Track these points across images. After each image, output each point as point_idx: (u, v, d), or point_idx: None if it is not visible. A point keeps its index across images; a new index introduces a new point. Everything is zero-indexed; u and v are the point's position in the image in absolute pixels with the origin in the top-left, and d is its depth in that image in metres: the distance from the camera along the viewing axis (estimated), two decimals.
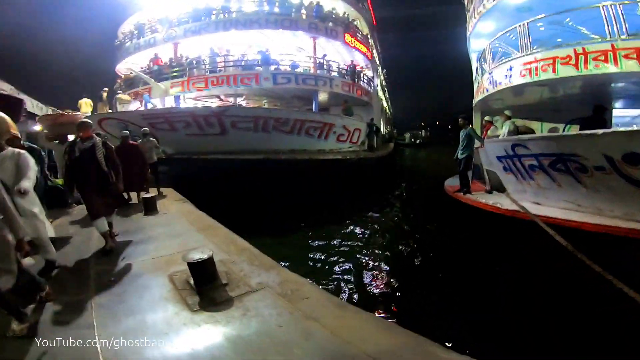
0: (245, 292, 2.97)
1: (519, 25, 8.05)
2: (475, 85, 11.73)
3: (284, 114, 11.47)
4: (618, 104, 9.43)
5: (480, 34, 11.18)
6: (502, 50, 8.91)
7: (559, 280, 4.42)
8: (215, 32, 14.33)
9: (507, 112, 7.64)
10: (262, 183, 10.27)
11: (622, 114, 10.12)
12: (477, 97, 10.81)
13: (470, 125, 8.08)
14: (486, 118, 9.02)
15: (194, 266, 2.98)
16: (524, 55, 7.83)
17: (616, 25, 6.35)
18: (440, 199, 9.46)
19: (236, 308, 2.71)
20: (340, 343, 2.22)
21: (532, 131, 8.54)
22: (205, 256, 2.99)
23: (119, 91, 14.77)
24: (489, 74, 9.31)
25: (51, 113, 12.15)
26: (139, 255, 4.01)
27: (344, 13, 17.45)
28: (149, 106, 12.71)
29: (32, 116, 12.31)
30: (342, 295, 5.15)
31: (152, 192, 7.62)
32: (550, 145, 4.93)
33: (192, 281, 3.04)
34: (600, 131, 4.15)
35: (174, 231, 5.10)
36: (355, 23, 18.24)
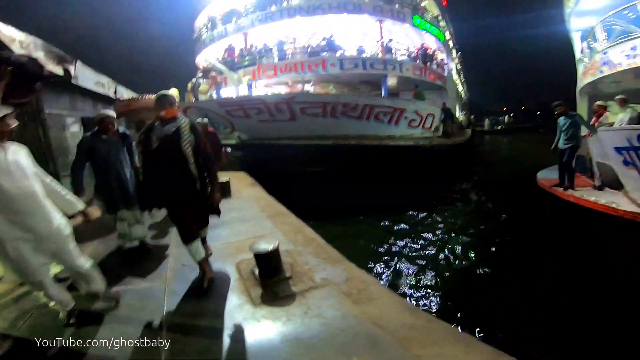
0: (309, 287, 2.85)
1: None
2: (581, 67, 10.51)
3: (353, 99, 11.14)
4: None
5: (584, 12, 10.03)
6: (620, 28, 7.80)
7: None
8: (281, 20, 14.34)
9: (622, 96, 6.42)
10: (332, 169, 10.27)
11: None
12: (586, 79, 9.53)
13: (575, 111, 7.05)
14: (598, 102, 7.66)
15: (260, 257, 2.93)
16: None
17: None
18: (529, 193, 8.40)
19: (298, 305, 2.59)
20: (409, 357, 1.98)
21: None
22: (271, 247, 2.92)
23: (203, 80, 15.70)
24: (604, 53, 8.18)
25: (126, 98, 11.85)
26: (212, 240, 3.98)
27: None
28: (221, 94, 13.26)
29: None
30: (411, 298, 4.73)
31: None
32: None
33: (257, 272, 3.01)
34: None
35: (246, 216, 5.20)
36: (423, 4, 17.11)
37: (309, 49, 13.94)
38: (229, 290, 2.90)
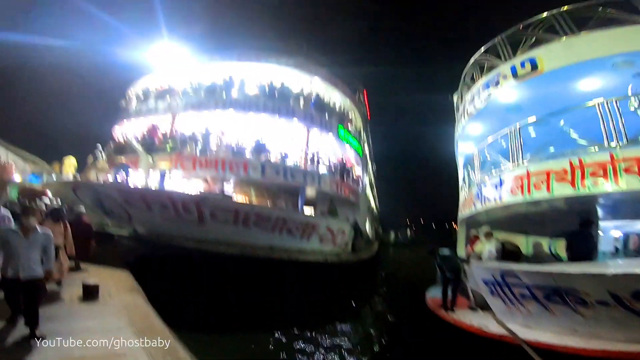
0: None
1: (509, 130, 7.37)
2: (462, 195, 10.87)
3: (267, 212, 11.04)
4: (602, 213, 7.86)
5: (468, 137, 10.59)
6: (492, 158, 8.19)
7: None
8: (215, 110, 14.31)
9: (486, 228, 7.43)
10: (235, 279, 9.51)
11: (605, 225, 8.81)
12: (464, 212, 9.97)
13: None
14: (473, 232, 8.61)
15: None
16: (514, 169, 7.07)
17: (614, 129, 5.55)
18: (420, 311, 8.77)
19: None
20: None
21: (518, 249, 7.81)
22: None
23: (102, 155, 14.25)
24: (477, 187, 8.58)
25: None
26: (49, 351, 3.39)
27: (340, 106, 17.84)
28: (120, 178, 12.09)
29: None
30: None
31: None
32: (546, 279, 4.60)
33: None
34: (610, 272, 4.06)
35: (107, 327, 4.40)
36: (350, 116, 18.60)
37: (235, 148, 13.91)
38: None
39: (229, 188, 14.29)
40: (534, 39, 8.45)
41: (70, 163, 13.56)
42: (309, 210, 14.77)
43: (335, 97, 17.78)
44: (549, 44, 7.71)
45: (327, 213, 13.83)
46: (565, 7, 7.88)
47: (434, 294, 8.62)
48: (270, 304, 8.90)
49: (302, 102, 15.53)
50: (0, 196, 6.41)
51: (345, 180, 16.29)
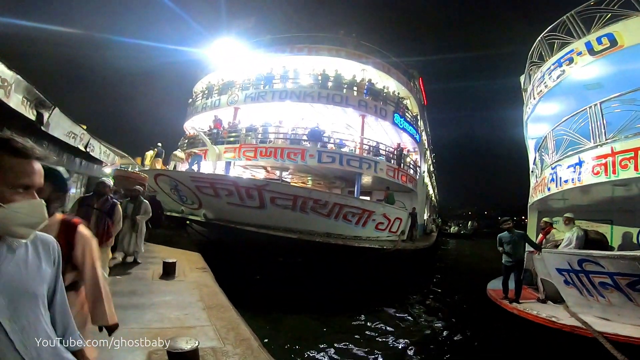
0: None
1: (590, 107, 6.71)
2: (533, 179, 10.23)
3: (324, 197, 11.40)
4: None
5: (540, 118, 9.99)
6: (569, 138, 7.43)
7: None
8: (272, 102, 15.07)
9: (569, 215, 6.83)
10: (293, 263, 10.12)
11: None
12: (536, 196, 9.31)
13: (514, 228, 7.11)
14: (545, 219, 7.93)
15: (174, 356, 2.78)
16: (597, 146, 6.34)
17: None
18: (480, 303, 8.57)
19: None
20: None
21: (604, 237, 7.09)
22: (188, 347, 2.81)
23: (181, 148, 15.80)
24: (552, 168, 7.86)
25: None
26: (131, 321, 3.80)
27: (395, 92, 17.72)
28: (194, 167, 13.23)
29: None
30: None
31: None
32: (633, 267, 4.36)
33: None
34: None
35: (181, 302, 4.97)
36: (405, 102, 18.37)
37: (292, 136, 14.51)
38: None
39: (288, 177, 15.00)
40: (608, 15, 7.61)
41: (151, 156, 15.20)
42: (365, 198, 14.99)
43: (390, 84, 17.71)
44: (626, 20, 7.05)
45: (384, 199, 13.85)
46: None
47: (495, 286, 8.30)
48: (326, 287, 9.26)
49: (355, 89, 15.65)
50: None
51: (402, 167, 16.14)
